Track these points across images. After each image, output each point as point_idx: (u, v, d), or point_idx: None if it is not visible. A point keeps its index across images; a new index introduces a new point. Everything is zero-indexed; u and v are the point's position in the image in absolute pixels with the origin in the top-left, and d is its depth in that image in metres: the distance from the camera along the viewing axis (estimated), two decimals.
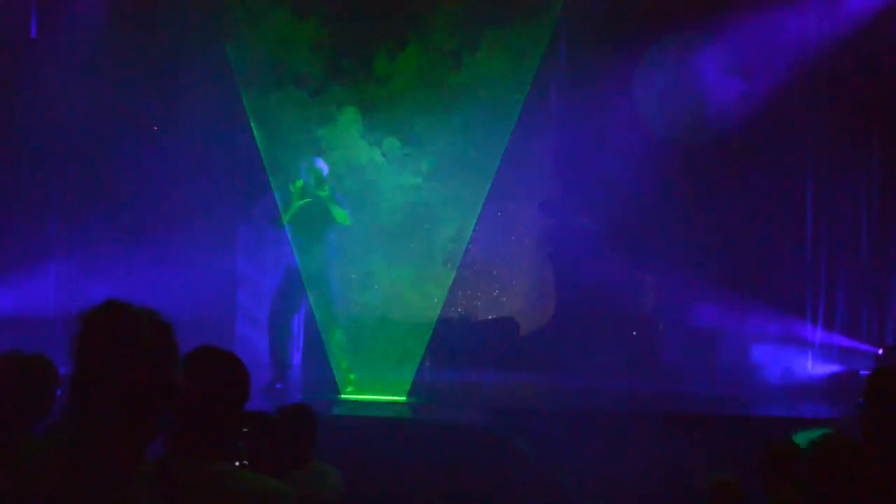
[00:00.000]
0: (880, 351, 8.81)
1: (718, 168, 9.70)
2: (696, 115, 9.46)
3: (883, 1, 9.09)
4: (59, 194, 9.64)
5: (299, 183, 7.77)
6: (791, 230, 9.41)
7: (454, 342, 9.96)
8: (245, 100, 8.02)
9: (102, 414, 1.74)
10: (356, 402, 7.35)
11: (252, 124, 8.04)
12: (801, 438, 4.03)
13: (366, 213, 8.10)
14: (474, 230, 8.43)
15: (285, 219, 7.80)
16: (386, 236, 8.19)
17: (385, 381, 7.62)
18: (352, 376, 7.62)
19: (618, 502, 6.11)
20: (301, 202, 7.75)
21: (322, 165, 7.77)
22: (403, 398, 7.50)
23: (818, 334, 9.26)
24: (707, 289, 9.40)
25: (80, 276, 9.55)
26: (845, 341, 9.21)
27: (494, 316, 10.94)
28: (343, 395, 7.49)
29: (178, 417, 2.04)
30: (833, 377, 8.87)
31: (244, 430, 3.53)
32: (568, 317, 10.50)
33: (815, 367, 9.09)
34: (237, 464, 2.26)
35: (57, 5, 9.35)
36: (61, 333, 8.95)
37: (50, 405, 2.98)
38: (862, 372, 8.49)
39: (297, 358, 9.80)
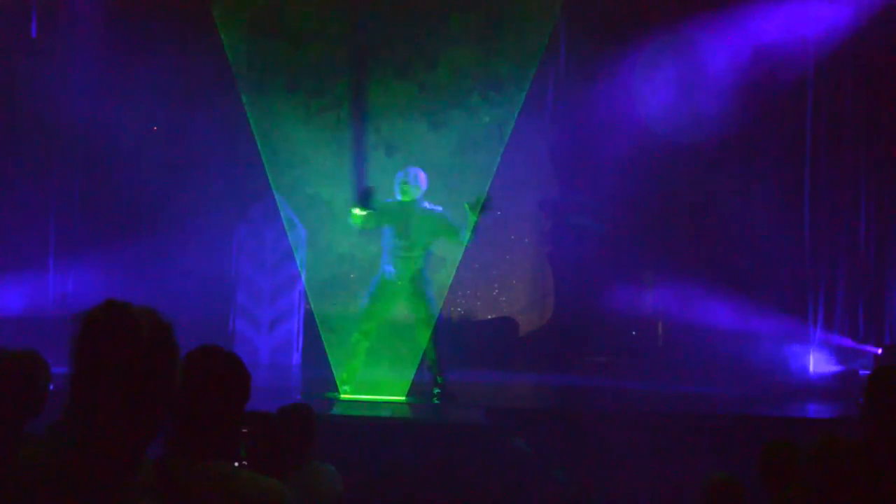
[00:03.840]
0: (880, 351, 8.81)
1: (718, 168, 9.70)
2: (697, 114, 9.46)
3: (880, 3, 9.10)
4: (58, 194, 9.63)
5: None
6: (790, 230, 9.41)
7: (454, 342, 9.95)
8: (245, 100, 8.01)
9: (102, 414, 1.74)
10: (356, 402, 7.33)
11: (252, 124, 8.03)
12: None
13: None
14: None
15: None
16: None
17: (385, 381, 7.61)
18: (345, 375, 7.55)
19: (617, 502, 6.11)
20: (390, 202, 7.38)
21: (415, 178, 7.33)
22: (403, 398, 7.49)
23: (818, 334, 9.26)
24: (707, 288, 9.40)
25: (80, 276, 9.55)
26: (845, 341, 9.21)
27: (494, 316, 10.94)
28: (343, 395, 7.48)
29: (178, 417, 2.04)
30: (833, 377, 8.87)
31: (244, 430, 3.53)
32: (567, 317, 10.50)
33: (814, 367, 9.08)
34: (237, 464, 2.25)
35: (57, 5, 9.35)
36: (61, 333, 8.94)
37: (42, 401, 2.96)
38: (862, 372, 8.50)
39: (296, 358, 9.81)
